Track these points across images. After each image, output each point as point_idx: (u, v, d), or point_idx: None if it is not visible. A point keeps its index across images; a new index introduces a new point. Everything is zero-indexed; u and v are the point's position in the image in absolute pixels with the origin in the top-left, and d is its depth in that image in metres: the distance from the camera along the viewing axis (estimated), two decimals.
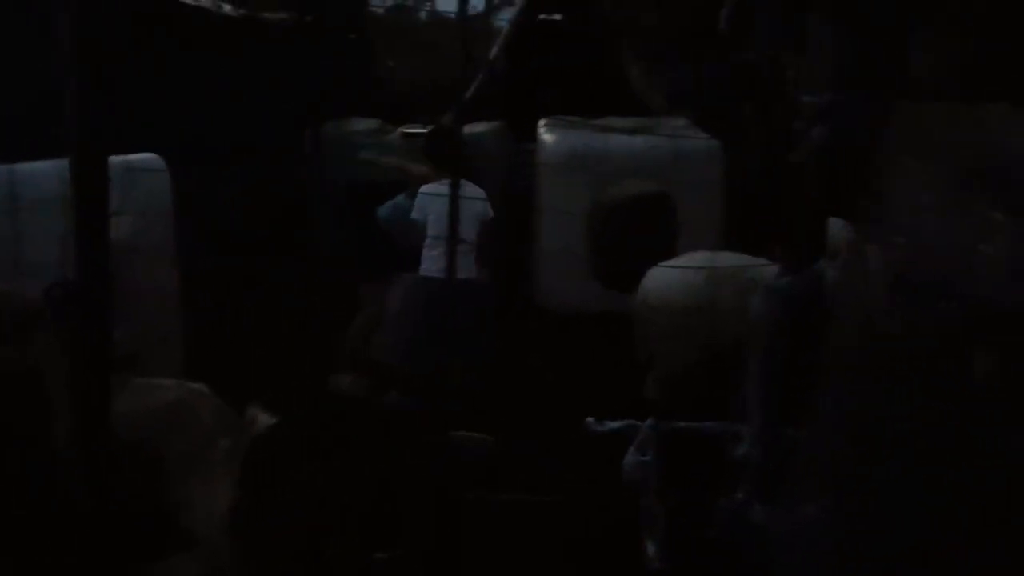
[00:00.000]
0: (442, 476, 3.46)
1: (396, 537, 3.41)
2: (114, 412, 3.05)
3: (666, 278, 4.50)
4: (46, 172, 3.28)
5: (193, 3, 5.69)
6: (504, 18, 7.23)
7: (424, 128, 5.59)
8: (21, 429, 3.08)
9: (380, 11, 7.26)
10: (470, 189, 5.11)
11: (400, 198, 5.32)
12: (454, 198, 4.35)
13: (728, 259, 4.34)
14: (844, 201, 2.77)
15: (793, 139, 2.87)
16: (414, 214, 5.09)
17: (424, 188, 5.17)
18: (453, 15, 7.33)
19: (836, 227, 2.98)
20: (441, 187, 4.80)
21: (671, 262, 4.65)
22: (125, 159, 4.29)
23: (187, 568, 3.29)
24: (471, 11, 7.42)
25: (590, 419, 3.35)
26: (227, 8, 5.89)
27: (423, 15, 7.62)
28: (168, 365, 4.40)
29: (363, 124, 5.95)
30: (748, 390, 2.93)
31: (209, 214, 4.82)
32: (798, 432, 2.71)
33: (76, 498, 2.53)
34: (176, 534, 3.30)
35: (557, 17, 7.25)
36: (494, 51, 6.97)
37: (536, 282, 6.04)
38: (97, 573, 2.79)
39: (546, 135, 6.07)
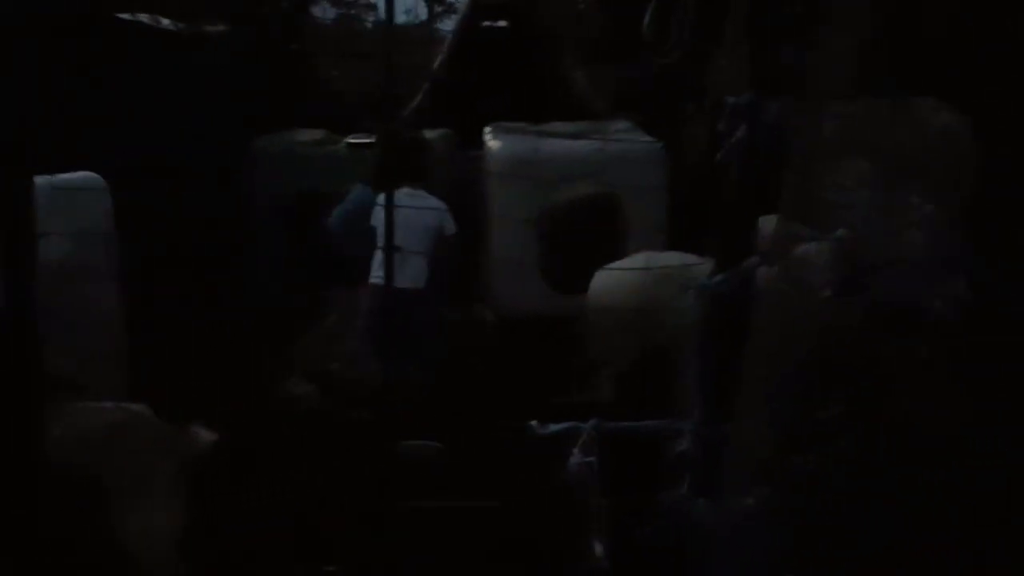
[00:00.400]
0: (389, 484, 3.45)
1: (343, 548, 3.40)
2: (51, 436, 3.02)
3: (612, 279, 4.55)
4: None
5: (130, 17, 5.63)
6: (447, 26, 7.24)
7: (370, 138, 5.57)
8: None
9: (324, 22, 7.24)
10: (431, 200, 5.09)
11: (348, 201, 5.23)
12: (388, 209, 4.36)
13: (673, 259, 4.39)
14: (771, 200, 2.81)
15: (719, 140, 2.90)
16: (373, 221, 4.97)
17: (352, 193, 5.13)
18: (397, 24, 7.32)
19: (768, 225, 3.02)
20: (401, 196, 4.76)
21: (617, 264, 4.70)
22: (61, 178, 4.25)
23: None
24: (414, 19, 7.45)
25: (533, 422, 3.37)
26: (166, 22, 5.84)
27: (367, 24, 7.59)
28: (112, 386, 4.36)
29: (308, 135, 5.92)
30: (687, 387, 2.95)
31: (150, 231, 4.76)
32: (734, 427, 2.74)
33: (9, 524, 2.49)
34: (118, 559, 3.26)
35: (500, 24, 7.26)
36: (439, 59, 6.98)
37: (487, 287, 6.06)
38: None
39: (491, 141, 6.09)
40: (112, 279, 4.37)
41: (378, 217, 4.77)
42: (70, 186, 4.14)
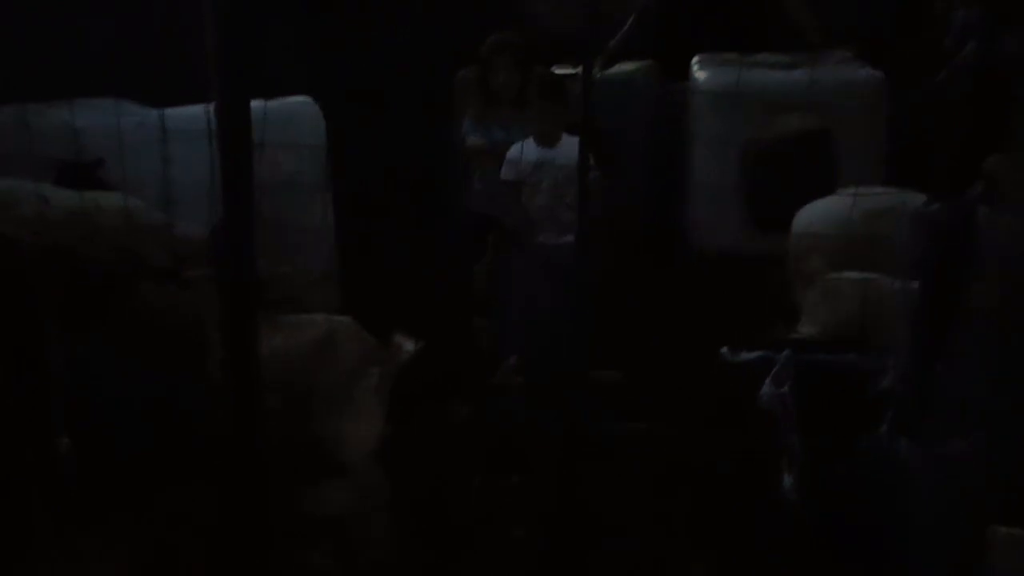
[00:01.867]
0: (575, 410, 3.46)
1: (528, 464, 3.45)
2: (265, 349, 3.19)
3: (819, 209, 4.37)
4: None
5: None
6: None
7: (575, 70, 5.52)
8: (178, 363, 3.26)
9: None
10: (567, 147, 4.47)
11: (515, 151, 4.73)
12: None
13: (889, 195, 4.18)
14: (998, 125, 2.59)
15: (944, 60, 2.69)
16: (503, 173, 4.68)
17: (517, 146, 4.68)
18: None
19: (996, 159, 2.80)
20: (534, 147, 4.59)
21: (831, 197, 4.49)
22: (280, 101, 4.46)
23: (338, 495, 3.43)
24: None
25: (724, 349, 3.29)
26: None
27: None
28: (323, 299, 4.58)
29: None
30: (895, 321, 2.80)
31: (362, 153, 4.93)
32: (945, 367, 2.58)
33: (227, 432, 2.64)
34: (326, 463, 3.43)
35: None
36: None
37: (689, 222, 5.94)
38: (254, 495, 2.92)
39: (699, 72, 5.92)
40: (327, 196, 4.58)
41: (543, 168, 4.59)
42: (288, 108, 4.34)
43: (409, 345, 3.46)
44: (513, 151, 4.61)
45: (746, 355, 3.20)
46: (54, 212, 3.39)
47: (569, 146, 4.34)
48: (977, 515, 2.46)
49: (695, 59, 5.98)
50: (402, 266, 4.82)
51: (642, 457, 3.61)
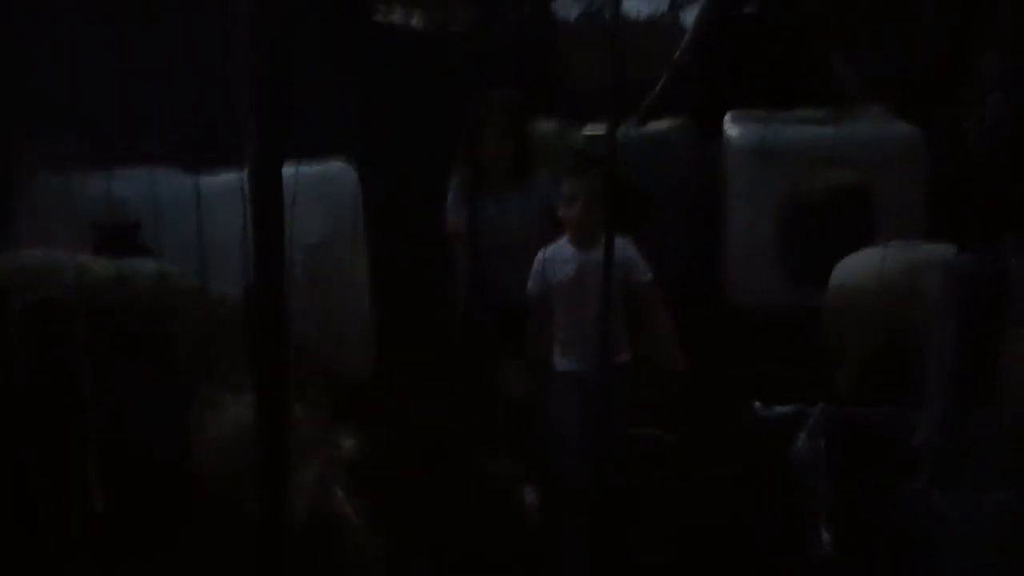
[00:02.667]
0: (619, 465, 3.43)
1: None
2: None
3: (862, 264, 4.32)
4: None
5: (383, 17, 5.92)
6: (690, 16, 7.13)
7: (604, 130, 5.56)
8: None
9: (566, 15, 7.32)
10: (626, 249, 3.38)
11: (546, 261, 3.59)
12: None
13: (926, 248, 4.15)
14: None
15: (973, 113, 2.68)
16: (530, 287, 3.55)
17: (548, 250, 3.56)
18: (639, 14, 7.30)
19: None
20: (567, 249, 3.48)
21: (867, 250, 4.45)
22: (317, 167, 4.55)
23: None
24: (656, 11, 7.39)
25: (758, 403, 3.26)
26: (415, 21, 6.09)
27: (607, 16, 7.57)
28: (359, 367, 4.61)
29: (544, 126, 6.01)
30: (928, 373, 2.76)
31: (396, 214, 4.96)
32: (980, 417, 2.53)
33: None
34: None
35: (748, 10, 7.08)
36: (681, 48, 6.88)
37: (724, 278, 5.93)
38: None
39: (732, 128, 5.95)
40: (364, 256, 4.61)
41: (584, 278, 3.42)
42: (324, 173, 4.43)
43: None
44: (540, 259, 3.53)
45: (780, 409, 3.17)
46: (94, 279, 3.49)
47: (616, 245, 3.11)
48: (1013, 569, 2.40)
49: (728, 115, 6.02)
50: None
51: (681, 512, 3.56)
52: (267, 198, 3.03)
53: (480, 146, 3.93)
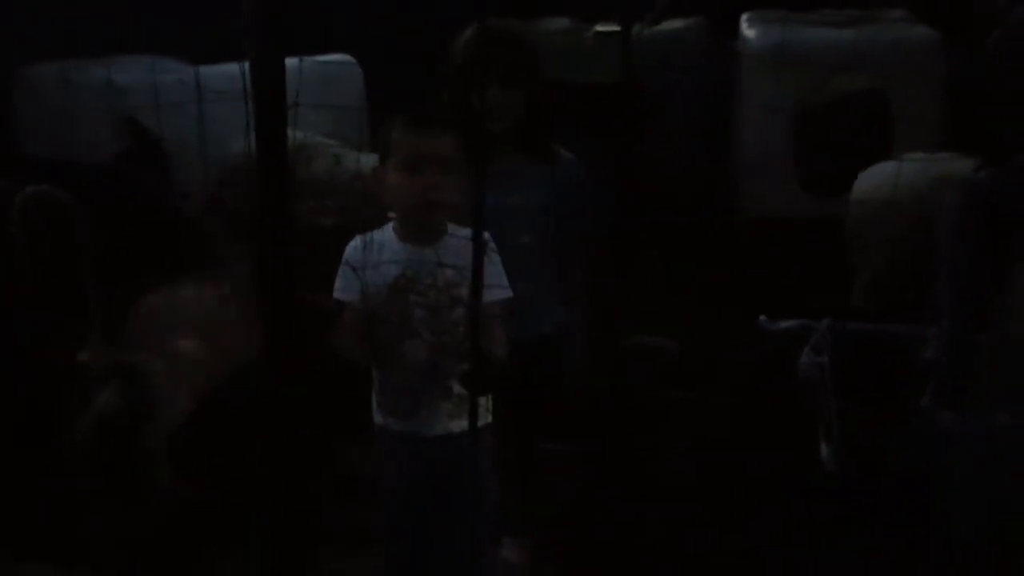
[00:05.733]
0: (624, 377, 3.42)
1: (573, 430, 3.41)
2: None
3: (883, 176, 4.23)
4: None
5: None
6: None
7: (617, 27, 5.41)
8: None
9: None
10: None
11: None
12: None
13: (944, 160, 4.05)
14: None
15: (996, 18, 2.58)
16: (338, 291, 2.51)
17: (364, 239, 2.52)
18: None
19: None
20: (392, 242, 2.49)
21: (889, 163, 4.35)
22: (320, 58, 4.44)
23: None
24: None
25: (763, 317, 3.21)
26: None
27: None
28: None
29: (555, 23, 5.84)
30: (938, 290, 2.71)
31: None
32: (991, 337, 2.49)
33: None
34: None
35: None
36: None
37: (737, 185, 5.84)
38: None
39: (749, 30, 5.78)
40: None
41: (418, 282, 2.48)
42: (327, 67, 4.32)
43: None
44: (353, 251, 2.50)
45: (785, 323, 3.12)
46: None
47: (457, 243, 2.33)
48: (1020, 490, 2.39)
49: (744, 16, 5.84)
50: None
51: (686, 424, 3.56)
52: (269, 91, 2.95)
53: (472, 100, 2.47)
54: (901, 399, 2.78)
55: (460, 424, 2.29)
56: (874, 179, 4.21)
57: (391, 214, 2.50)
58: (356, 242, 2.50)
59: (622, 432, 3.48)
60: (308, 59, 3.79)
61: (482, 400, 2.27)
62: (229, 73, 3.64)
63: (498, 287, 2.38)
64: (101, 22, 4.01)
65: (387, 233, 2.51)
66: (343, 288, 2.47)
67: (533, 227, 2.83)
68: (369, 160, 3.13)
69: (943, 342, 2.67)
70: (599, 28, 5.66)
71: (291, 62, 2.70)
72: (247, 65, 2.77)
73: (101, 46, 3.97)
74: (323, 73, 4.45)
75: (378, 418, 2.55)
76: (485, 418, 2.39)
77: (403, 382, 2.45)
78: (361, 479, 3.01)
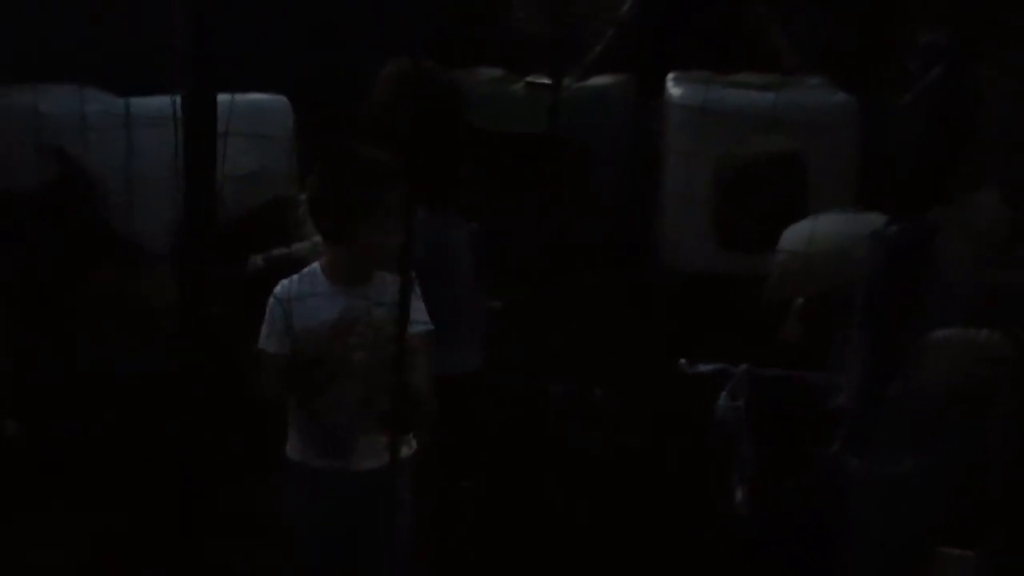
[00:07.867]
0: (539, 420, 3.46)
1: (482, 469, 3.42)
2: None
3: (804, 231, 4.33)
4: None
5: None
6: None
7: (549, 80, 5.52)
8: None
9: None
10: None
11: None
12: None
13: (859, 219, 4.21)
14: (959, 146, 2.61)
15: (910, 81, 2.72)
16: (265, 338, 2.57)
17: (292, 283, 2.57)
18: None
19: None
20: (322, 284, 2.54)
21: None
22: (251, 98, 4.45)
23: None
24: None
25: (683, 360, 3.29)
26: None
27: None
28: None
29: (488, 73, 5.93)
30: (848, 339, 2.82)
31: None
32: (898, 385, 2.59)
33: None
34: None
35: None
36: (627, 4, 6.85)
37: (660, 240, 5.95)
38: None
39: (674, 88, 5.94)
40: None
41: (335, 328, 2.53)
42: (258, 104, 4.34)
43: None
44: (282, 295, 2.54)
45: (703, 367, 3.20)
46: None
47: (385, 282, 2.47)
48: (923, 534, 2.47)
49: (670, 75, 6.01)
50: None
51: (604, 466, 3.60)
52: (200, 126, 2.96)
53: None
54: (813, 444, 2.86)
55: (385, 458, 2.29)
56: (794, 233, 4.35)
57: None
58: (285, 283, 2.54)
59: (531, 472, 3.50)
60: (240, 96, 3.81)
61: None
62: (157, 105, 3.65)
63: (421, 323, 2.44)
64: (27, 50, 3.98)
65: (315, 274, 2.55)
66: (268, 336, 2.52)
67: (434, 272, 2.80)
68: None
69: (853, 390, 2.76)
70: (530, 79, 5.77)
71: (222, 98, 2.72)
72: (178, 98, 2.79)
73: (27, 73, 3.93)
74: (253, 110, 4.49)
75: (293, 455, 2.57)
76: (410, 448, 2.50)
77: (331, 420, 2.47)
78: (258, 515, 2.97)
